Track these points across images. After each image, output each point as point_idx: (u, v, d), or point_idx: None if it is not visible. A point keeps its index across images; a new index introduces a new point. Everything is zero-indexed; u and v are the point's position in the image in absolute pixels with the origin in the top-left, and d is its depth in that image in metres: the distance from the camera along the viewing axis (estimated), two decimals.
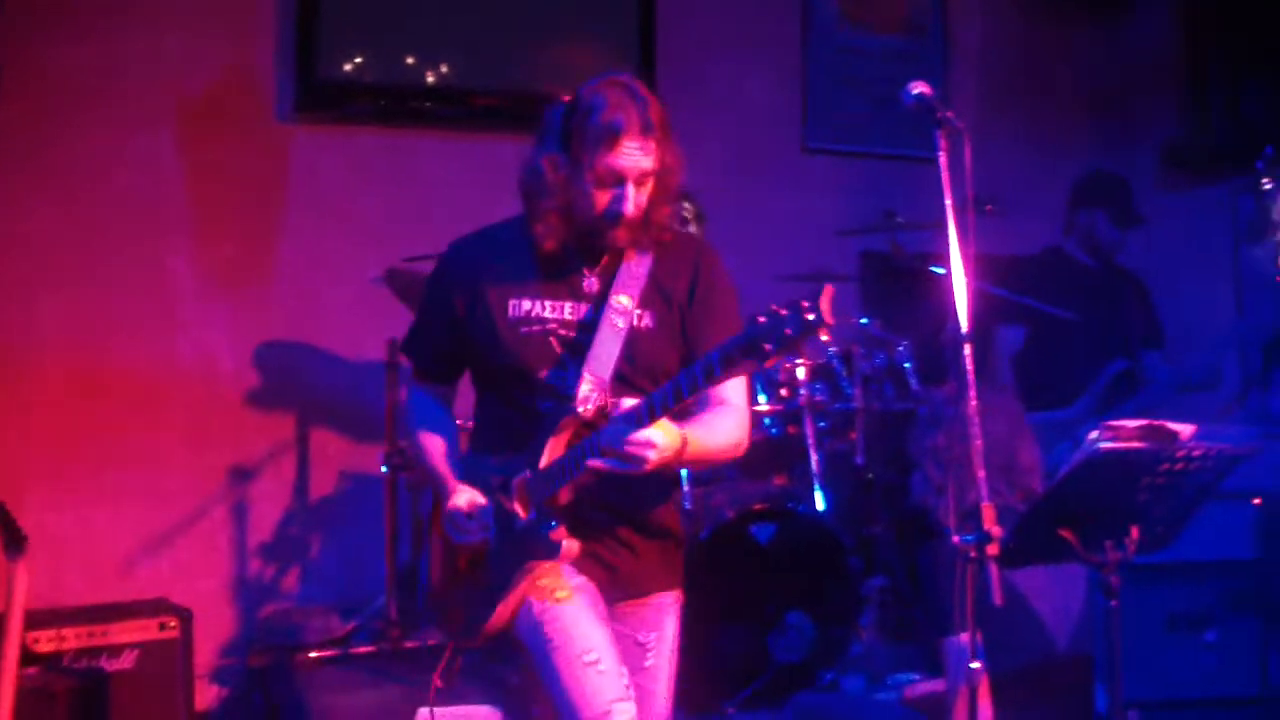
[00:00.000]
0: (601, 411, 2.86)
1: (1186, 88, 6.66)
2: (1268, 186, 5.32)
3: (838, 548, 4.70)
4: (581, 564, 2.93)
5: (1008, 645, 3.31)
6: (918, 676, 4.80)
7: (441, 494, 3.03)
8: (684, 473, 4.37)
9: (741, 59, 6.60)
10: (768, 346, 2.40)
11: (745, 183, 6.43)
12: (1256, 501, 4.20)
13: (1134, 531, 2.98)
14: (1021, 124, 7.09)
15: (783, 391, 4.97)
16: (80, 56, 5.38)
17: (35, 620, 4.45)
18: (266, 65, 5.69)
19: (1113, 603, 2.99)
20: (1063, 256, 5.62)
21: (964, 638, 2.64)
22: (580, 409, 2.86)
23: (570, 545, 2.85)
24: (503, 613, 2.92)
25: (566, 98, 2.98)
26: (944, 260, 2.66)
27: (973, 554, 2.49)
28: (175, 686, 4.67)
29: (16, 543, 3.87)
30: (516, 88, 5.97)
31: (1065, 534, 2.96)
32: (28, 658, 4.30)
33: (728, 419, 2.96)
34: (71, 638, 4.51)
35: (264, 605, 5.61)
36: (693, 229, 4.79)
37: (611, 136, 2.83)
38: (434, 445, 3.11)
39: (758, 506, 4.68)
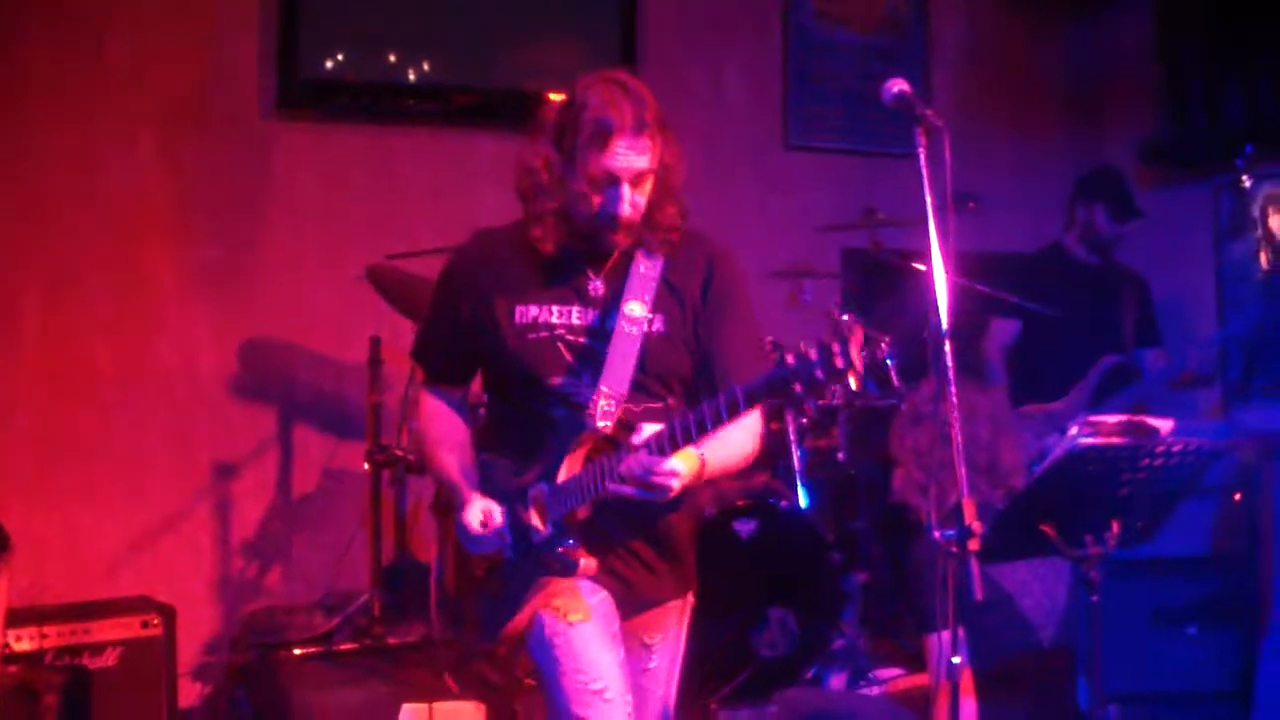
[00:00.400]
0: (621, 426, 2.83)
1: (1165, 86, 6.68)
2: (1248, 184, 5.35)
3: (820, 544, 4.72)
4: (597, 578, 2.92)
5: (993, 640, 3.32)
6: (900, 672, 4.83)
7: (455, 502, 3.00)
8: None
9: (722, 56, 6.61)
10: (798, 388, 2.42)
11: (727, 180, 6.45)
12: (1237, 497, 4.24)
13: (1114, 526, 3.00)
14: (1001, 122, 7.11)
15: None
16: (60, 55, 5.36)
17: (17, 619, 4.44)
18: (248, 64, 5.68)
19: (1093, 597, 3.01)
20: (1062, 252, 5.65)
21: (946, 633, 2.65)
22: (599, 425, 2.82)
23: (588, 564, 2.85)
24: (517, 623, 2.90)
25: (557, 96, 2.93)
26: (925, 257, 2.67)
27: (954, 549, 2.50)
28: (158, 684, 4.66)
29: (1, 544, 3.86)
30: (498, 86, 5.97)
31: (1046, 529, 2.98)
32: (9, 657, 4.30)
33: (739, 429, 2.89)
34: (54, 636, 4.50)
35: (247, 603, 5.60)
36: None
37: (603, 136, 2.77)
38: (446, 452, 3.08)
39: (740, 503, 4.69)
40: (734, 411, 2.55)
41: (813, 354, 2.41)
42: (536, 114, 2.97)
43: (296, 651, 5.05)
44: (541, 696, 2.87)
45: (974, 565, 2.51)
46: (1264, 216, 5.71)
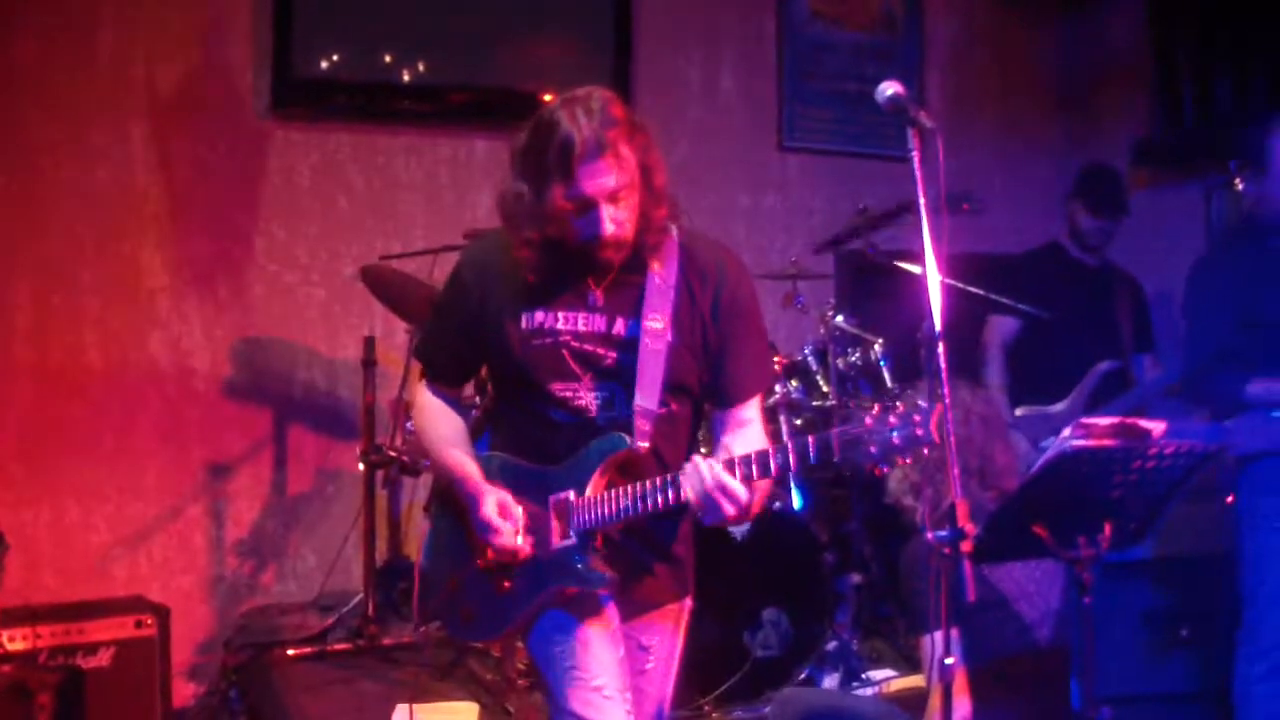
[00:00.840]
0: (653, 450, 2.86)
1: (1158, 86, 6.69)
2: (1241, 188, 5.36)
3: (814, 545, 4.72)
4: None
5: (989, 640, 3.33)
6: (893, 673, 4.84)
7: (464, 494, 2.97)
8: None
9: (717, 56, 6.62)
10: (873, 450, 2.51)
11: (721, 180, 6.46)
12: (1230, 499, 4.24)
13: (1107, 528, 3.01)
14: (994, 122, 7.13)
15: None
16: (52, 50, 5.36)
17: (10, 618, 4.46)
18: (243, 63, 5.68)
19: (1086, 599, 3.02)
20: (1059, 251, 5.65)
21: (940, 634, 2.66)
22: (639, 444, 2.83)
23: (612, 578, 2.84)
24: (521, 623, 2.91)
25: (551, 97, 2.92)
26: (919, 258, 2.67)
27: (947, 550, 2.51)
28: (152, 684, 4.66)
29: None
30: (493, 85, 5.97)
31: (1038, 530, 2.99)
32: (3, 656, 4.30)
33: (754, 443, 2.90)
34: (47, 635, 4.50)
35: (241, 602, 5.61)
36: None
37: (566, 163, 2.75)
38: (452, 447, 3.07)
39: None
40: (804, 461, 2.62)
41: (893, 420, 2.50)
42: (524, 121, 2.96)
43: (290, 651, 5.06)
44: (536, 695, 2.87)
45: (966, 566, 2.51)
46: None
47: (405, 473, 5.17)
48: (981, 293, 5.28)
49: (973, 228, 5.78)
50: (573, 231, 2.84)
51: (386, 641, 5.12)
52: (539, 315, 2.93)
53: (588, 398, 2.90)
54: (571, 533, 2.85)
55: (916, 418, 2.47)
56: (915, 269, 4.82)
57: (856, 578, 5.15)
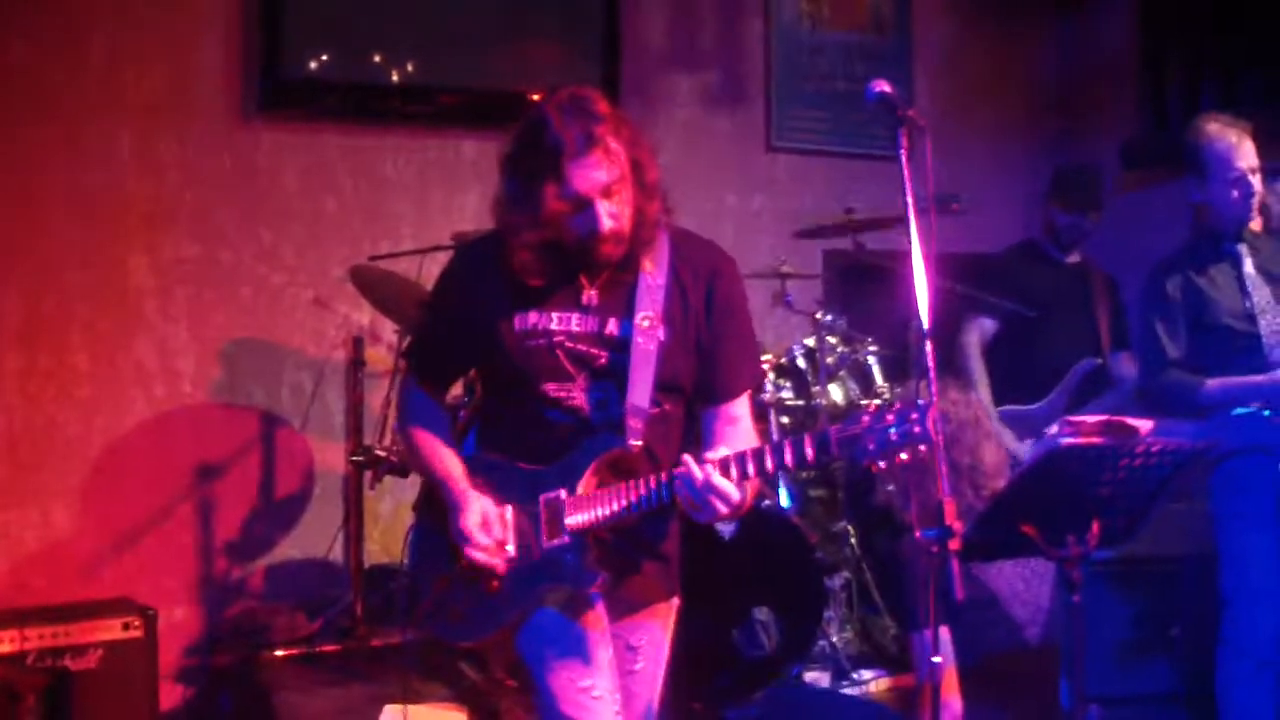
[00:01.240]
0: (646, 448, 2.86)
1: (1146, 87, 6.71)
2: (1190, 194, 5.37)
3: (802, 544, 4.72)
4: None
5: (980, 638, 3.34)
6: (882, 672, 4.84)
7: (448, 498, 2.96)
8: None
9: (705, 57, 6.62)
10: (871, 447, 2.53)
11: (709, 181, 6.46)
12: None
13: (1095, 526, 3.02)
14: (983, 122, 7.14)
15: None
16: (41, 52, 5.34)
17: None
18: (232, 63, 5.66)
19: (1075, 597, 3.02)
20: (1035, 250, 5.67)
21: (929, 632, 2.66)
22: (631, 443, 2.83)
23: (605, 578, 2.83)
24: (511, 622, 2.90)
25: (537, 97, 2.92)
26: (907, 258, 2.67)
27: (935, 549, 2.51)
28: (140, 686, 4.65)
29: None
30: (483, 87, 5.96)
31: (1027, 528, 2.99)
32: None
33: (744, 440, 2.92)
34: (34, 638, 4.49)
35: (229, 604, 5.59)
36: None
37: (556, 163, 2.77)
38: (437, 450, 3.05)
39: None
40: (800, 460, 2.62)
41: (890, 418, 2.52)
42: (514, 123, 2.96)
43: (278, 653, 5.05)
44: (525, 696, 2.87)
45: (955, 565, 2.52)
46: None
47: (393, 473, 5.15)
48: (973, 291, 5.29)
49: (962, 228, 5.80)
50: (570, 231, 2.85)
51: (375, 643, 5.11)
52: (532, 316, 2.93)
53: (582, 398, 2.90)
54: (563, 532, 2.84)
55: (914, 415, 2.48)
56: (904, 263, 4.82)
57: (846, 577, 5.15)
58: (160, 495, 5.52)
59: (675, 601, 3.12)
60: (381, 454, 5.06)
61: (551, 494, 2.87)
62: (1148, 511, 3.16)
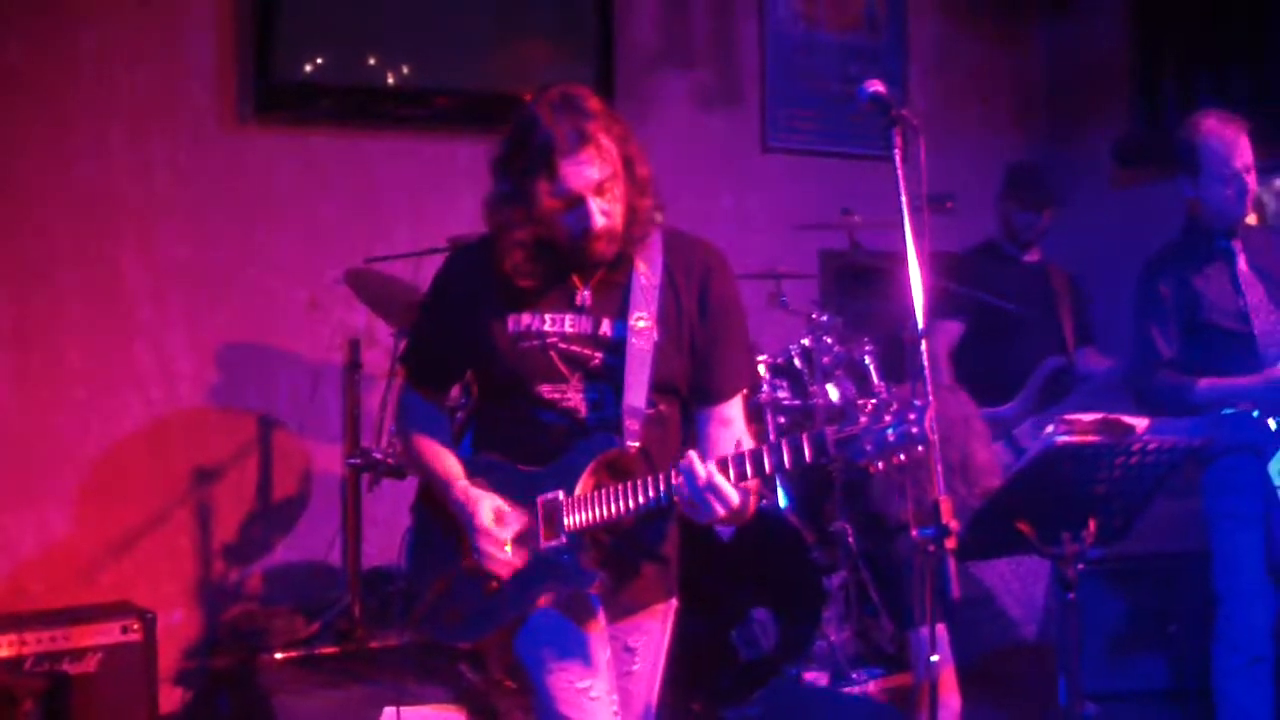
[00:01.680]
0: (643, 450, 2.86)
1: (1139, 86, 6.72)
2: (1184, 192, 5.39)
3: (800, 544, 4.72)
4: None
5: (977, 636, 3.35)
6: (880, 672, 4.84)
7: (453, 500, 2.96)
8: None
9: (699, 58, 6.63)
10: (869, 447, 2.54)
11: (704, 181, 6.46)
12: None
13: (1091, 524, 3.02)
14: (977, 122, 7.15)
15: None
16: (32, 54, 5.34)
17: None
18: (226, 66, 5.66)
19: (1070, 595, 3.03)
20: (996, 250, 5.69)
21: (926, 630, 2.67)
22: (628, 444, 2.83)
23: (603, 579, 2.84)
24: (509, 623, 2.90)
25: (527, 96, 2.93)
26: (902, 257, 2.68)
27: (931, 548, 2.52)
28: (139, 689, 4.65)
29: None
30: (478, 89, 5.97)
31: (1023, 526, 3.00)
32: None
33: (740, 441, 2.90)
34: (33, 642, 4.49)
35: (227, 607, 5.59)
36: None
37: (548, 160, 2.77)
38: (437, 452, 3.06)
39: None
40: (797, 460, 2.62)
41: (888, 418, 2.53)
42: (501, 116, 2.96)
43: (277, 655, 5.05)
44: (523, 697, 2.87)
45: (951, 564, 2.52)
46: None
47: (391, 475, 5.16)
48: (966, 290, 5.30)
49: (952, 226, 5.80)
50: (563, 229, 2.85)
51: (373, 645, 5.11)
52: (526, 318, 2.94)
53: (577, 399, 2.90)
54: (561, 533, 2.84)
55: (911, 415, 2.50)
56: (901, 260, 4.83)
57: (843, 576, 5.15)
58: (158, 498, 5.52)
59: (673, 602, 3.13)
60: (379, 456, 5.07)
61: (549, 495, 2.87)
62: (1144, 509, 3.17)
